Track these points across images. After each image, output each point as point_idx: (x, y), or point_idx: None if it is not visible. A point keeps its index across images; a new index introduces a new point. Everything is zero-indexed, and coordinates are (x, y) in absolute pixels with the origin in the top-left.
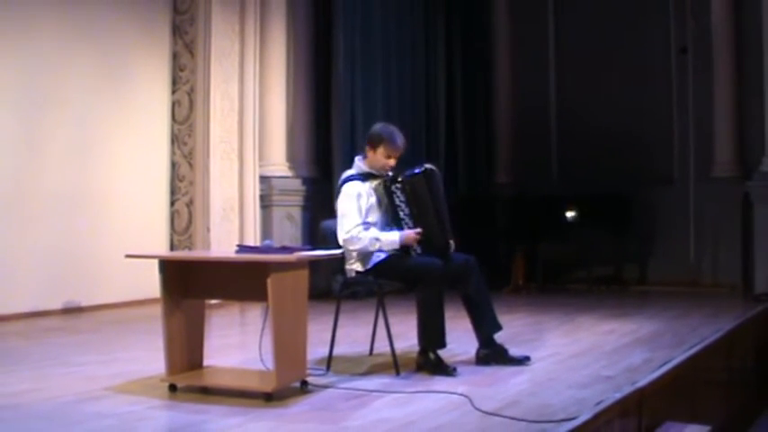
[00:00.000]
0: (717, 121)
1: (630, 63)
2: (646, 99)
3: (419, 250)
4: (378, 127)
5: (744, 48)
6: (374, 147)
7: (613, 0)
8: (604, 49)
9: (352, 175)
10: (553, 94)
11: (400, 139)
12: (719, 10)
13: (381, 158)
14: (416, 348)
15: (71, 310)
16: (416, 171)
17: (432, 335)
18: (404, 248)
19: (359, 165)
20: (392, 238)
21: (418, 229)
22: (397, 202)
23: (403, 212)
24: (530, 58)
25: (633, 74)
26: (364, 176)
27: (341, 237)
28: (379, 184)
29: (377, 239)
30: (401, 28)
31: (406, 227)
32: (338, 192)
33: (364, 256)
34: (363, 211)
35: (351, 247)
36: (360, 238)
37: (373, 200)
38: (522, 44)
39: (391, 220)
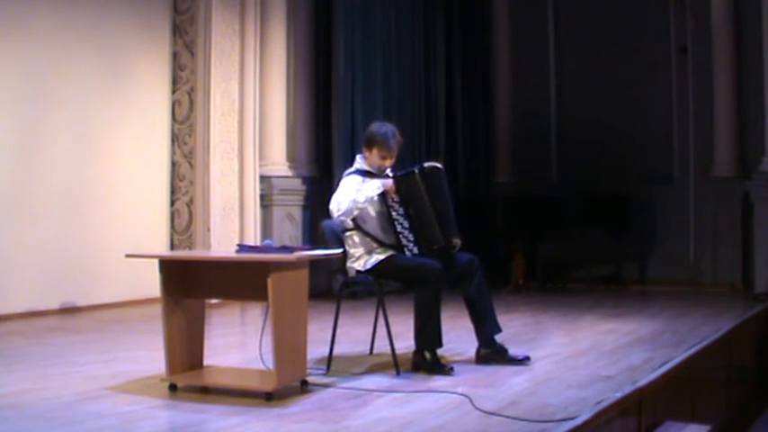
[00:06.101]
0: (717, 120)
1: (630, 62)
2: (646, 98)
3: (396, 198)
4: (374, 127)
5: (744, 47)
6: (369, 147)
7: (613, 0)
8: (604, 49)
9: (352, 171)
10: (553, 93)
11: (394, 140)
12: (719, 9)
13: (377, 159)
14: None
15: (71, 310)
16: (411, 170)
17: (429, 335)
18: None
19: (360, 163)
20: (373, 185)
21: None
22: (390, 202)
23: (396, 212)
24: (530, 57)
25: (633, 73)
26: (364, 174)
27: (335, 218)
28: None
29: (358, 191)
30: (401, 28)
31: (399, 226)
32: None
33: (366, 253)
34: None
35: (345, 217)
36: (346, 205)
37: None
38: (521, 44)
39: (386, 220)
